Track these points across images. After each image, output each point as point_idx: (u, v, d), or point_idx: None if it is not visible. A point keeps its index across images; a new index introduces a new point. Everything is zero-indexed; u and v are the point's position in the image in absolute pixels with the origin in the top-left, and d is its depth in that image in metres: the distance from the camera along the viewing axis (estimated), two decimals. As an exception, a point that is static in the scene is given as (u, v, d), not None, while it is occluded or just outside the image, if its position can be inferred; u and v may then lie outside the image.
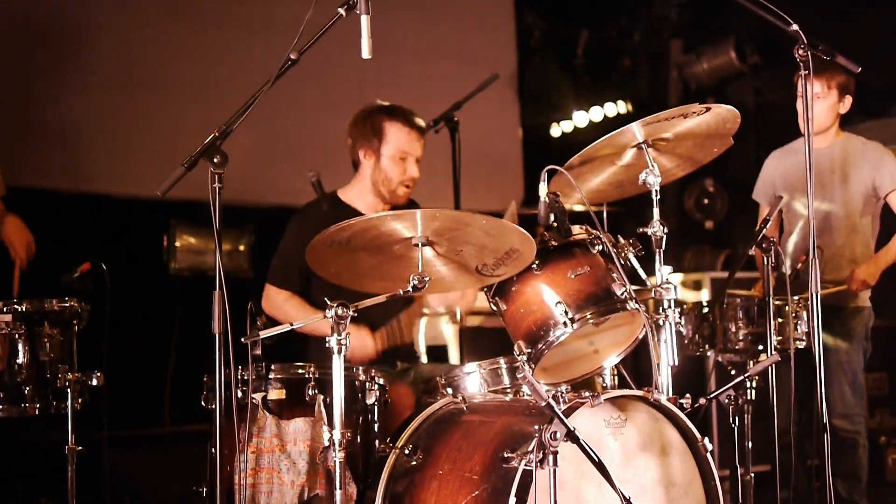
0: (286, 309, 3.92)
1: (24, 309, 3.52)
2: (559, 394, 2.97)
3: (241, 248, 5.84)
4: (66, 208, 5.24)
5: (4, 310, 3.50)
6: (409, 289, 3.07)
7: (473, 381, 3.47)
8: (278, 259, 4.04)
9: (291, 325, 3.15)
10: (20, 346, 3.49)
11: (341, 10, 3.10)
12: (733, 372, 4.36)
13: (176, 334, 5.79)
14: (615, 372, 3.50)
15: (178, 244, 5.81)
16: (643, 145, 3.37)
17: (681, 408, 3.13)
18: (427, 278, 3.08)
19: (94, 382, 3.60)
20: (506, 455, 2.88)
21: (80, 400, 3.59)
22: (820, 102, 4.45)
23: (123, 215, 5.53)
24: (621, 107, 7.32)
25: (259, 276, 5.60)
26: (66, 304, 3.63)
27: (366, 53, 3.06)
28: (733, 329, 4.13)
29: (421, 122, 4.11)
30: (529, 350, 3.26)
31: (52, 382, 3.54)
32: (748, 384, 3.80)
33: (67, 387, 3.54)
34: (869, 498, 4.56)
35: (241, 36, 5.79)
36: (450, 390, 3.43)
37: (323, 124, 5.87)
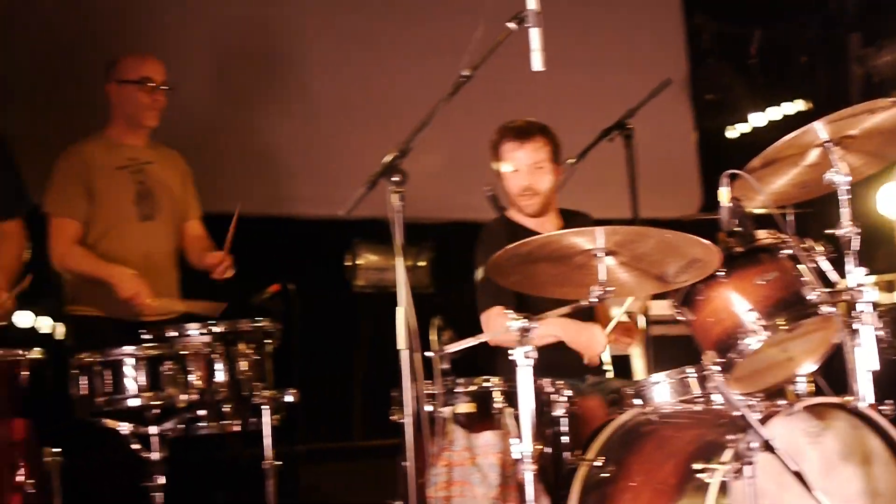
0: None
1: (220, 330, 3.67)
2: (753, 403, 2.91)
3: (422, 263, 5.93)
4: (254, 231, 5.43)
5: (203, 332, 3.66)
6: (593, 299, 3.06)
7: (662, 391, 3.43)
8: (484, 285, 4.01)
9: (478, 339, 3.19)
10: (218, 366, 3.63)
11: (512, 25, 3.14)
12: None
13: (361, 350, 5.93)
14: (810, 379, 3.40)
15: (360, 262, 5.94)
16: (827, 144, 3.27)
17: (882, 415, 3.02)
18: (610, 288, 3.07)
19: (289, 399, 3.72)
20: (700, 466, 2.83)
21: (276, 416, 3.71)
22: None
23: (308, 236, 5.69)
24: (799, 105, 7.10)
25: (440, 292, 5.72)
26: (259, 325, 3.76)
27: (538, 66, 3.09)
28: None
29: (527, 129, 4.11)
30: (721, 359, 3.20)
31: (249, 400, 3.68)
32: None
33: (264, 404, 3.66)
34: None
35: (412, 54, 5.89)
36: (638, 401, 3.41)
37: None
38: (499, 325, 3.90)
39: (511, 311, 3.71)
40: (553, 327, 3.74)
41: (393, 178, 3.09)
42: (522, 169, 4.07)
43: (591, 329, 3.86)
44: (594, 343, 3.85)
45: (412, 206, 3.19)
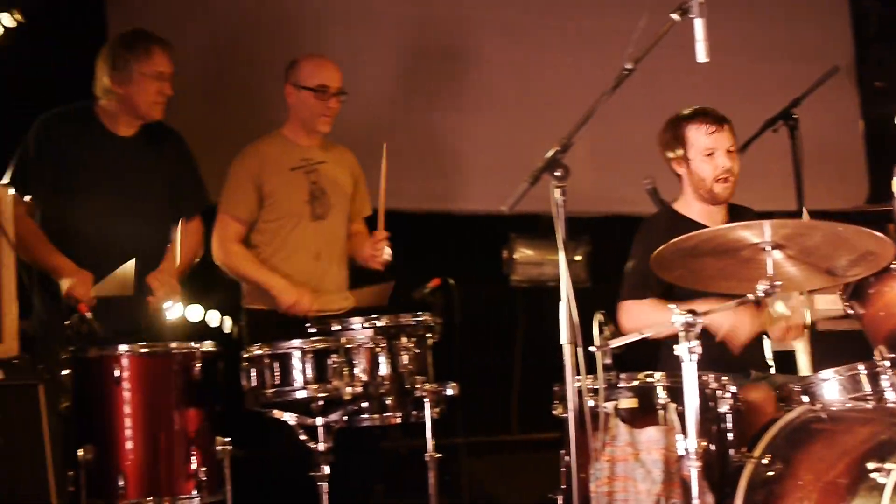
0: (652, 316, 3.84)
1: (383, 324, 3.74)
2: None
3: (578, 258, 5.91)
4: (416, 226, 5.52)
5: (366, 325, 3.74)
6: (761, 294, 3.00)
7: (831, 388, 3.35)
8: (632, 275, 4.02)
9: (640, 334, 3.17)
10: (381, 359, 3.70)
11: (675, 16, 3.10)
12: None
13: (519, 345, 5.95)
14: None
15: (516, 257, 5.96)
16: None
17: None
18: (777, 283, 3.00)
19: (450, 392, 3.77)
20: (874, 466, 2.75)
21: (436, 409, 3.76)
22: None
23: (467, 231, 5.74)
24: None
25: (597, 286, 5.69)
26: (420, 319, 3.82)
27: (702, 57, 3.04)
28: None
29: (721, 115, 4.05)
30: (893, 354, 3.10)
31: (411, 392, 3.74)
32: None
33: (425, 397, 3.71)
34: None
35: (571, 50, 5.87)
36: (806, 398, 3.33)
37: (654, 131, 5.84)
38: (638, 316, 3.89)
39: (671, 304, 3.72)
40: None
41: (555, 173, 3.08)
42: (720, 151, 4.01)
43: (737, 315, 3.76)
44: (739, 330, 3.76)
45: (569, 200, 3.18)
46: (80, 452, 3.42)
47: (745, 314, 3.77)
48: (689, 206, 4.11)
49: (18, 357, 3.37)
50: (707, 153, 4.00)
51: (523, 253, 5.97)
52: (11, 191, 3.66)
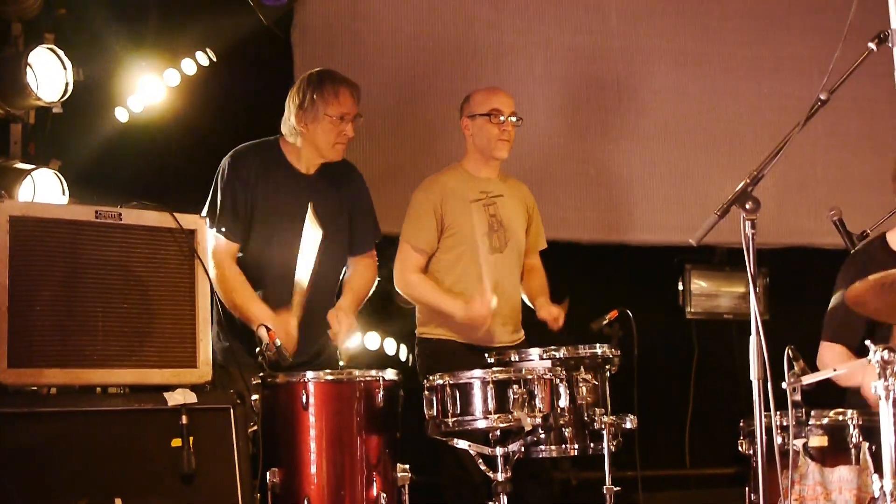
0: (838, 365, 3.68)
1: (561, 355, 3.74)
2: None
3: (756, 290, 5.78)
4: (592, 258, 5.50)
5: (544, 357, 3.74)
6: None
7: None
8: (833, 313, 3.90)
9: (834, 370, 3.08)
10: (561, 391, 3.69)
11: (872, 45, 3.02)
12: None
13: (694, 378, 5.86)
14: None
15: (692, 288, 5.88)
16: None
17: None
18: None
19: (629, 425, 3.73)
20: None
21: (614, 442, 3.73)
22: None
23: (641, 262, 5.70)
24: None
25: (776, 318, 5.55)
26: (598, 350, 3.80)
27: (903, 89, 2.95)
28: None
29: None
30: None
31: (590, 425, 3.71)
32: None
33: (603, 429, 3.68)
34: None
35: (748, 78, 5.77)
36: None
37: (835, 161, 5.70)
38: (833, 361, 3.76)
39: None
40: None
41: (746, 205, 3.04)
42: None
43: None
44: None
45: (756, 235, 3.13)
46: (268, 475, 3.52)
47: None
48: None
49: (210, 382, 3.51)
50: None
51: (699, 284, 5.88)
52: (208, 226, 3.83)
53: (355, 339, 4.11)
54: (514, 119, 4.44)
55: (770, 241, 5.61)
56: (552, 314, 4.30)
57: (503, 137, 4.43)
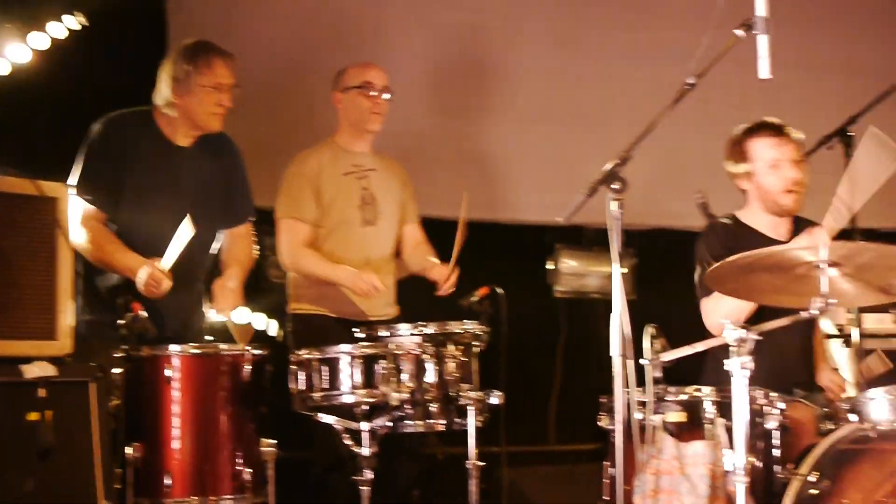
0: (730, 303, 3.74)
1: (430, 331, 3.75)
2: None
3: (624, 270, 5.89)
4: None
5: (413, 332, 3.75)
6: (814, 311, 2.99)
7: (879, 407, 3.32)
8: (704, 277, 3.99)
9: (695, 347, 3.17)
10: (428, 366, 3.71)
11: (739, 32, 3.10)
12: None
13: (561, 356, 5.96)
14: None
15: (561, 268, 5.97)
16: None
17: None
18: (832, 301, 2.99)
19: (495, 401, 3.77)
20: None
21: (480, 417, 3.76)
22: None
23: (512, 241, 5.76)
24: None
25: (643, 299, 5.67)
26: (467, 327, 3.83)
27: (765, 73, 3.04)
28: None
29: (784, 126, 4.06)
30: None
31: (456, 400, 3.74)
32: None
33: (470, 404, 3.71)
34: None
35: (625, 62, 5.87)
36: (853, 417, 3.30)
37: (704, 145, 5.83)
38: (718, 306, 3.83)
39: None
40: None
41: (613, 186, 3.09)
42: (786, 162, 4.01)
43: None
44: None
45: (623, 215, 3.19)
46: (129, 450, 3.46)
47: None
48: (754, 215, 4.10)
49: (71, 354, 3.42)
50: (772, 165, 3.99)
51: (568, 264, 5.97)
52: (76, 194, 3.74)
53: (242, 313, 4.06)
54: (386, 94, 4.44)
55: (639, 223, 5.72)
56: (443, 274, 4.32)
57: (375, 111, 4.44)
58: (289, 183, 4.42)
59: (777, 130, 4.02)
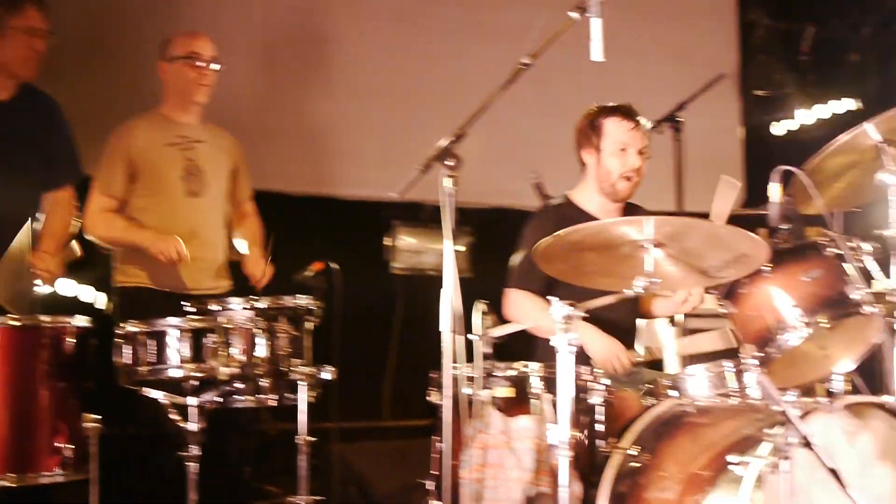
0: (534, 309, 3.91)
1: (263, 305, 3.70)
2: (793, 398, 2.91)
3: (461, 248, 5.95)
4: (298, 210, 5.48)
5: (245, 306, 3.69)
6: (639, 290, 3.06)
7: (698, 383, 3.42)
8: (520, 264, 4.06)
9: (522, 325, 3.21)
10: (259, 341, 3.66)
11: (574, 14, 3.13)
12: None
13: (396, 332, 5.97)
14: (847, 378, 3.39)
15: (398, 244, 5.98)
16: (881, 144, 3.26)
17: (921, 417, 3.01)
18: (656, 280, 3.06)
19: (326, 376, 3.75)
20: (735, 459, 2.83)
21: (311, 393, 3.74)
22: None
23: (350, 216, 5.73)
24: (848, 104, 7.03)
25: (479, 277, 5.74)
26: (301, 302, 3.79)
27: (597, 56, 3.08)
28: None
29: (642, 117, 4.13)
30: (759, 353, 3.20)
31: (287, 375, 3.70)
32: None
33: (301, 380, 3.69)
34: None
35: (464, 40, 5.90)
36: (674, 392, 3.41)
37: (541, 127, 5.92)
38: (521, 305, 3.94)
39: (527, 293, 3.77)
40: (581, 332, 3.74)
41: (447, 163, 3.10)
42: (633, 150, 4.08)
43: (614, 346, 3.83)
44: (614, 361, 3.80)
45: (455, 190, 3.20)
46: (-57, 425, 3.31)
47: (619, 345, 3.83)
48: (587, 197, 4.15)
49: None
50: (620, 148, 4.06)
51: (405, 240, 5.99)
52: None
53: (67, 285, 3.93)
54: (215, 64, 4.35)
55: (477, 202, 5.78)
56: (256, 275, 4.27)
57: (202, 82, 4.35)
58: (105, 156, 4.32)
59: (632, 117, 4.09)
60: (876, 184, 3.25)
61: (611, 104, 4.15)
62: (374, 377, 5.94)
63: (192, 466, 3.56)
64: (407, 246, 5.99)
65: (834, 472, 2.72)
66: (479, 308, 3.30)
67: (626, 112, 4.11)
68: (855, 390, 3.44)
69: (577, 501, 3.20)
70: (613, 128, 4.08)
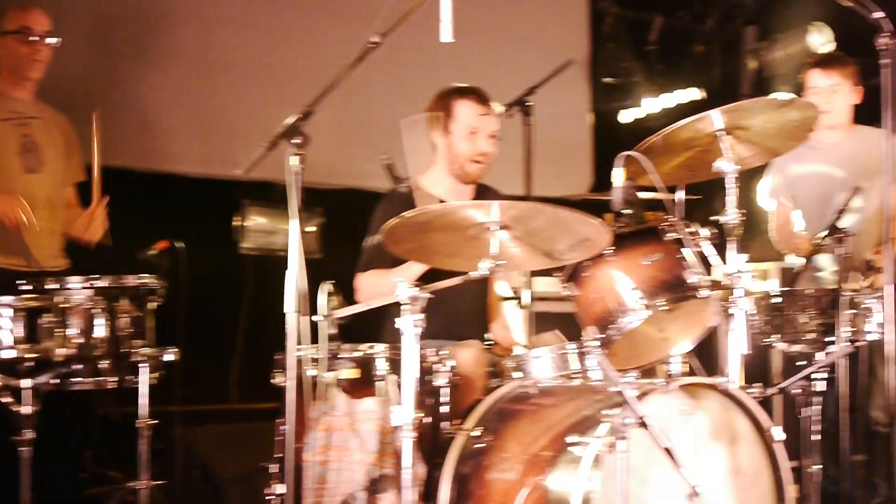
0: (379, 285, 3.87)
1: (103, 284, 3.59)
2: (631, 379, 2.98)
3: (311, 228, 5.91)
4: (143, 187, 5.34)
5: (85, 285, 3.58)
6: (484, 271, 3.08)
7: (542, 365, 3.46)
8: (368, 249, 4.04)
9: (367, 305, 3.19)
10: (99, 321, 3.55)
11: (421, -6, 3.12)
12: (803, 363, 4.32)
13: (245, 313, 5.89)
14: (685, 359, 3.48)
15: (248, 224, 5.90)
16: (721, 133, 3.36)
17: (751, 397, 3.12)
18: (501, 262, 3.09)
19: (169, 358, 3.66)
20: (574, 439, 2.89)
21: (154, 375, 3.65)
22: (837, 96, 4.54)
23: (197, 194, 5.62)
24: (694, 94, 7.24)
25: (329, 258, 5.70)
26: (143, 281, 3.70)
27: (447, 37, 3.08)
28: (803, 319, 4.08)
29: (494, 101, 4.14)
30: (600, 335, 3.26)
31: (128, 357, 3.61)
32: (817, 375, 3.77)
33: (142, 361, 3.60)
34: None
35: (315, 18, 5.84)
36: (518, 374, 3.44)
37: (395, 108, 5.88)
38: (368, 286, 3.93)
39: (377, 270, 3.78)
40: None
41: (294, 141, 3.05)
42: (484, 134, 4.07)
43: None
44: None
45: (305, 170, 3.17)
46: None
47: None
48: (437, 181, 4.15)
49: None
50: (471, 131, 4.07)
51: (255, 220, 5.91)
52: None
53: None
54: (50, 38, 4.20)
55: (328, 182, 5.74)
56: (82, 224, 4.18)
57: (35, 57, 4.23)
58: None
59: (484, 101, 4.10)
60: (714, 171, 3.34)
61: (462, 86, 4.15)
62: (222, 359, 5.84)
63: (25, 451, 3.43)
64: (257, 226, 5.92)
65: (668, 451, 2.80)
66: (324, 289, 3.27)
67: (478, 96, 4.12)
68: (693, 372, 3.54)
69: (421, 483, 3.21)
70: (464, 111, 4.09)
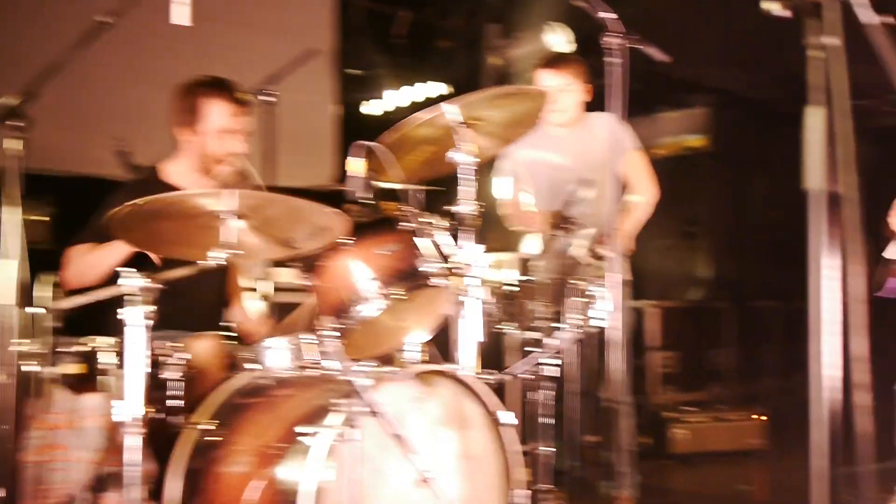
0: (88, 260, 3.71)
1: None
2: (364, 368, 2.98)
3: (41, 217, 5.63)
4: None
5: None
6: (217, 260, 3.00)
7: (278, 355, 3.42)
8: (88, 226, 3.83)
9: (94, 296, 3.06)
10: None
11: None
12: (535, 349, 4.47)
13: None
14: (423, 348, 3.53)
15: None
16: (454, 124, 3.41)
17: (485, 383, 3.19)
18: (236, 251, 3.02)
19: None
20: (304, 429, 2.86)
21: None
22: (566, 95, 4.76)
23: None
24: (441, 88, 7.37)
25: (63, 248, 5.43)
26: None
27: (182, 19, 2.99)
28: (537, 307, 4.21)
29: (245, 96, 4.01)
30: (336, 324, 3.25)
31: None
32: (548, 361, 3.89)
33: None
34: (654, 470, 4.77)
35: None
36: (253, 365, 3.39)
37: (132, 94, 5.71)
38: (77, 261, 3.77)
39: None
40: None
41: (14, 124, 2.88)
42: (236, 135, 3.94)
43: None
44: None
45: (32, 156, 3.01)
46: None
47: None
48: (181, 173, 4.00)
49: None
50: (222, 132, 3.92)
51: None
52: None
53: None
54: None
55: (58, 168, 5.49)
56: None
57: None
58: None
59: (237, 100, 3.93)
60: (447, 161, 3.40)
61: (212, 81, 3.97)
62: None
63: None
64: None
65: (399, 438, 2.83)
66: (46, 280, 3.11)
67: (231, 94, 3.93)
68: (430, 360, 3.58)
69: (152, 480, 3.10)
70: (216, 112, 3.92)
